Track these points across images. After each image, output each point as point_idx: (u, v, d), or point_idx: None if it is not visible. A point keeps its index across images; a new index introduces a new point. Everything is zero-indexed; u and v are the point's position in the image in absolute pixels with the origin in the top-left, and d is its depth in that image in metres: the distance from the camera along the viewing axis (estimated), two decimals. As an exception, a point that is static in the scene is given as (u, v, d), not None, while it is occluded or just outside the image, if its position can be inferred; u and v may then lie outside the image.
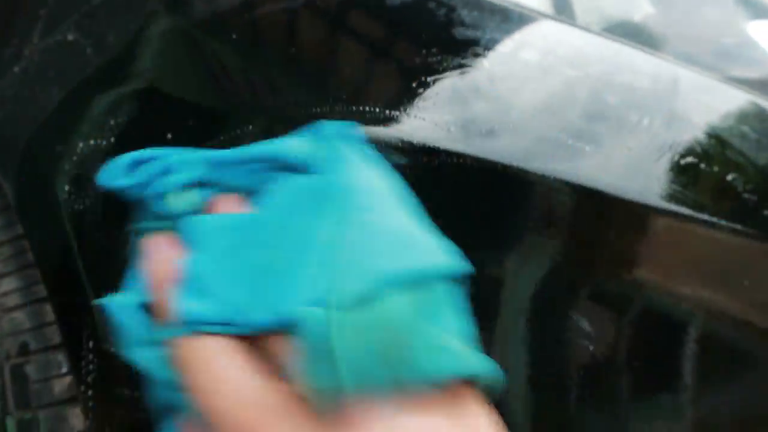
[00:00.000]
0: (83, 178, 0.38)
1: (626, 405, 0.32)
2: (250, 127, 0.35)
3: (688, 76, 0.42)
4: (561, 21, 0.44)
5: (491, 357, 0.14)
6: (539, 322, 0.32)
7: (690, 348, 0.33)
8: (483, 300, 0.30)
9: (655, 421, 0.33)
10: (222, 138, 0.35)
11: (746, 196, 0.35)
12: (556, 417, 0.31)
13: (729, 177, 0.36)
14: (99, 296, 0.35)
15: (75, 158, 0.39)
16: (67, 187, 0.38)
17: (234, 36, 0.38)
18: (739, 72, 0.51)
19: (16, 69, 0.44)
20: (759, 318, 0.36)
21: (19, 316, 0.41)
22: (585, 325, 0.31)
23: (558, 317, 0.31)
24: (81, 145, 0.39)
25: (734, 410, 0.35)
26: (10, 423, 0.38)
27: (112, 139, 0.39)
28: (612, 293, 0.32)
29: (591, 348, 0.31)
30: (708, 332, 0.33)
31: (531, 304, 0.32)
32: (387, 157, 0.19)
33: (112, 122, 0.39)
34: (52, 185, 0.39)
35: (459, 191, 0.32)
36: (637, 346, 0.32)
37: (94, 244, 0.35)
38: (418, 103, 0.34)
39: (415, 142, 0.33)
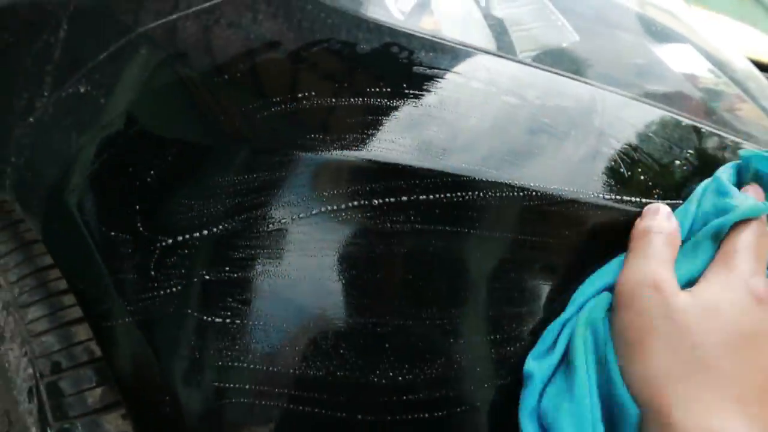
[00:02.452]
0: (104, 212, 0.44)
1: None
2: (234, 157, 0.42)
3: (605, 96, 0.51)
4: (501, 56, 0.53)
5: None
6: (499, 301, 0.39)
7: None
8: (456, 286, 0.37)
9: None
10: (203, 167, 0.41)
11: (654, 189, 0.44)
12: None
13: (641, 175, 0.45)
14: (131, 312, 0.40)
15: (92, 195, 0.45)
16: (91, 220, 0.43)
17: (227, 80, 0.45)
18: (651, 87, 0.62)
19: (30, 119, 0.50)
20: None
21: (49, 339, 0.46)
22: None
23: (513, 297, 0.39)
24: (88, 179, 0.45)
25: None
26: (51, 433, 0.43)
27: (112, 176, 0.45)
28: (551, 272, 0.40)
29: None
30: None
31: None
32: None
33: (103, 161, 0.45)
34: (74, 218, 0.44)
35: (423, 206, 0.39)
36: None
37: (124, 268, 0.41)
38: (383, 129, 0.41)
39: (381, 161, 0.40)
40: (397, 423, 0.35)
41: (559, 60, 0.60)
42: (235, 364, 0.37)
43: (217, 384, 0.37)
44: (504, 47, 0.57)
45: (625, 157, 0.44)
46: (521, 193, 0.38)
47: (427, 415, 0.35)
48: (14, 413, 0.45)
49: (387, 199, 0.36)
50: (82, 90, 0.48)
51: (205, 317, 0.37)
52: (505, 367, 0.36)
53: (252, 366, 0.36)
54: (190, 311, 0.38)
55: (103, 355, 0.44)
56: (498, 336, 0.37)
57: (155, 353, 0.39)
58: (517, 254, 0.38)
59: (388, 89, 0.42)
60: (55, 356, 0.45)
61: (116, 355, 0.42)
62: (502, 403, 0.36)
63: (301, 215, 0.37)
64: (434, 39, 0.47)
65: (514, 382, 0.36)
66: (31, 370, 0.45)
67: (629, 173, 0.44)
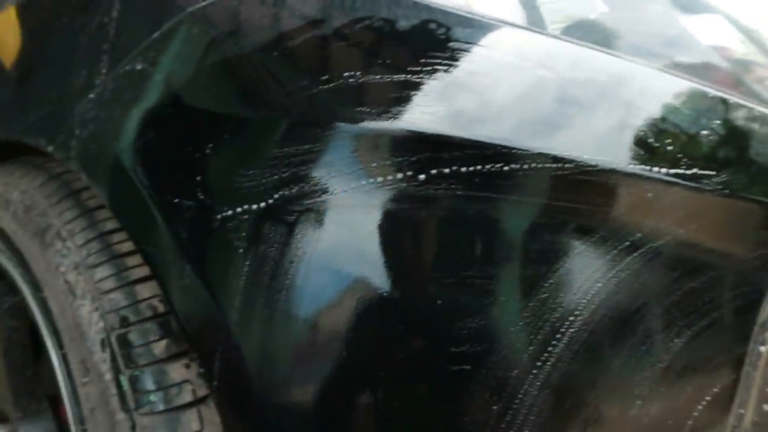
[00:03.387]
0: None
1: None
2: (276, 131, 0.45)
3: (633, 68, 0.53)
4: (531, 29, 0.55)
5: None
6: (533, 270, 0.42)
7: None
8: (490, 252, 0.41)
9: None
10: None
11: (681, 159, 0.46)
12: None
13: (668, 146, 0.47)
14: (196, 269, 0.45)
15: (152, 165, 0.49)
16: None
17: (274, 57, 0.48)
18: (680, 58, 0.63)
19: (91, 95, 0.53)
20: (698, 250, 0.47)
21: (117, 296, 0.50)
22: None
23: (544, 264, 0.42)
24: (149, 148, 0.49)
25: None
26: (123, 379, 0.48)
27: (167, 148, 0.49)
28: (586, 238, 0.43)
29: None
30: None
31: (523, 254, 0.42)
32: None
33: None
34: (136, 186, 0.49)
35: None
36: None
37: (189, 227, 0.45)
38: (420, 101, 0.44)
39: (419, 131, 0.42)
40: (441, 373, 0.39)
41: (588, 32, 0.61)
42: (287, 321, 0.41)
43: (271, 338, 0.41)
44: (534, 21, 0.59)
45: (653, 127, 0.47)
46: (555, 163, 0.41)
47: (468, 368, 0.39)
48: (89, 362, 0.50)
49: (431, 171, 0.39)
50: (138, 67, 0.52)
51: (263, 279, 0.41)
52: (537, 325, 0.40)
53: (302, 324, 0.40)
54: (248, 273, 0.42)
55: (168, 310, 0.48)
56: (532, 295, 0.40)
57: (218, 309, 0.43)
58: (551, 219, 0.40)
59: (425, 64, 0.45)
60: (123, 311, 0.50)
61: (181, 311, 0.46)
62: (536, 359, 0.39)
63: (352, 185, 0.40)
64: (467, 15, 0.49)
65: (546, 339, 0.39)
66: (102, 324, 0.50)
67: (657, 143, 0.46)
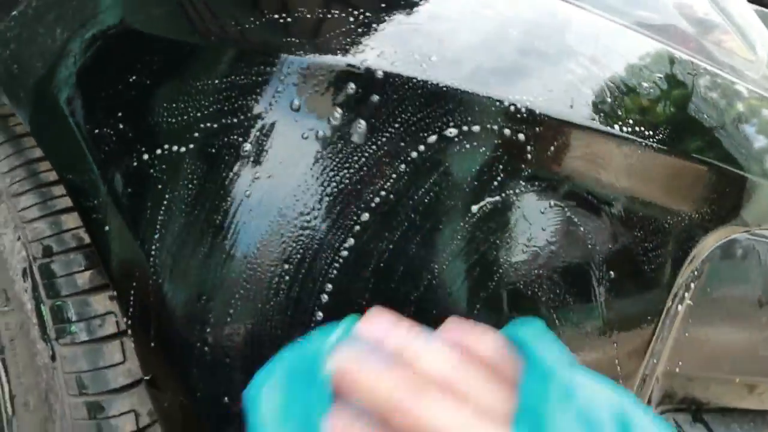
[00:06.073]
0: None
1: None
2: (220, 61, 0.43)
3: (602, 24, 0.52)
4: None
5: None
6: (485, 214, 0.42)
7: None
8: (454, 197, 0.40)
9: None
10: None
11: (638, 118, 0.46)
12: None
13: (628, 103, 0.47)
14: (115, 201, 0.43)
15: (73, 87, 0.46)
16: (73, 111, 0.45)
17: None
18: (645, 17, 0.62)
19: (14, 13, 0.50)
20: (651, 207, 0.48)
21: (41, 225, 0.49)
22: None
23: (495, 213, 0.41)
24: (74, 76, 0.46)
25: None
26: (44, 309, 0.47)
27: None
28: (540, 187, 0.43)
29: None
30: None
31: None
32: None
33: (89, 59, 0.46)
34: (62, 112, 0.46)
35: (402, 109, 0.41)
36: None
37: (112, 160, 0.43)
38: (368, 38, 0.42)
39: (364, 67, 0.41)
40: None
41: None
42: (216, 263, 0.40)
43: (197, 279, 0.40)
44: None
45: (611, 84, 0.46)
46: (509, 107, 0.40)
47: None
48: (11, 291, 0.48)
49: (376, 112, 0.38)
50: (64, -15, 0.48)
51: (189, 218, 0.40)
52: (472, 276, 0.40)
53: (231, 265, 0.40)
54: (175, 211, 0.40)
55: (92, 242, 0.47)
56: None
57: (142, 246, 0.42)
58: (501, 167, 0.40)
59: (376, 4, 0.43)
60: (47, 241, 0.48)
61: (105, 244, 0.45)
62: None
63: (291, 119, 0.39)
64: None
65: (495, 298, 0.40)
66: (24, 253, 0.48)
67: (611, 100, 0.46)
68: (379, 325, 0.30)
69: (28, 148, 0.52)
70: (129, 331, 0.43)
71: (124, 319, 0.43)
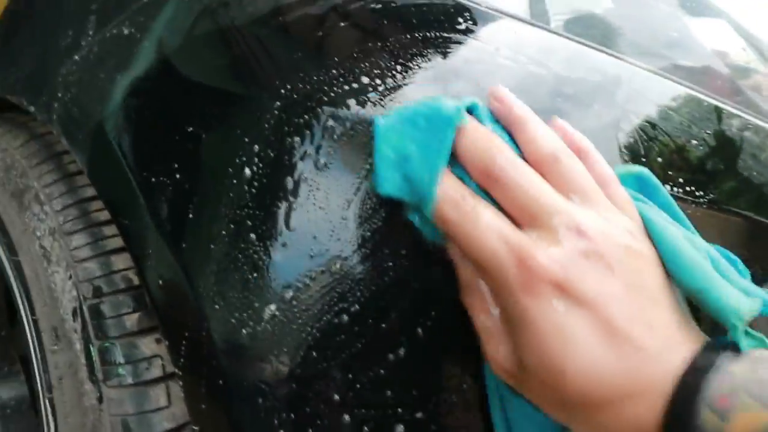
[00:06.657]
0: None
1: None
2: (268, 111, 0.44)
3: (630, 70, 0.52)
4: (531, 23, 0.54)
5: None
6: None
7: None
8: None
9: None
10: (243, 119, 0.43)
11: (669, 168, 0.46)
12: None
13: (657, 154, 0.47)
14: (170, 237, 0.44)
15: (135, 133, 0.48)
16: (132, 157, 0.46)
17: (266, 32, 0.47)
18: (680, 61, 0.62)
19: (76, 57, 0.52)
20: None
21: (91, 265, 0.50)
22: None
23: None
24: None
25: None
26: (93, 350, 0.47)
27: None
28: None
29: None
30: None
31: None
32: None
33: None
34: (117, 156, 0.47)
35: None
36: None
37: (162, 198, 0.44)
38: (410, 85, 0.43)
39: None
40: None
41: (590, 26, 0.60)
42: (261, 295, 0.40)
43: (242, 313, 0.40)
44: (538, 11, 0.58)
45: (643, 133, 0.46)
46: None
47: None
48: (61, 330, 0.49)
49: None
50: (125, 32, 0.50)
51: (236, 253, 0.40)
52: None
53: (276, 295, 0.40)
54: (222, 248, 0.41)
55: (141, 283, 0.48)
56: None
57: (190, 285, 0.42)
58: None
59: (418, 50, 0.44)
60: (97, 281, 0.49)
61: (153, 284, 0.46)
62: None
63: (325, 164, 0.39)
64: (468, 4, 0.48)
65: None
66: (75, 293, 0.49)
67: (645, 149, 0.46)
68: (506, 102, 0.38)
69: (80, 186, 0.54)
70: (176, 375, 0.44)
71: (174, 362, 0.44)
